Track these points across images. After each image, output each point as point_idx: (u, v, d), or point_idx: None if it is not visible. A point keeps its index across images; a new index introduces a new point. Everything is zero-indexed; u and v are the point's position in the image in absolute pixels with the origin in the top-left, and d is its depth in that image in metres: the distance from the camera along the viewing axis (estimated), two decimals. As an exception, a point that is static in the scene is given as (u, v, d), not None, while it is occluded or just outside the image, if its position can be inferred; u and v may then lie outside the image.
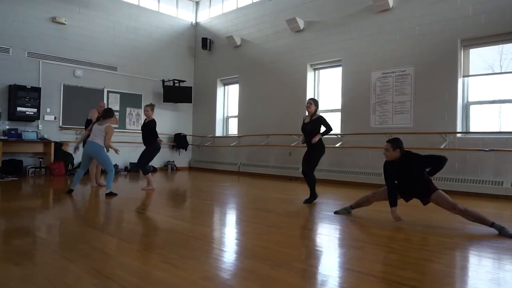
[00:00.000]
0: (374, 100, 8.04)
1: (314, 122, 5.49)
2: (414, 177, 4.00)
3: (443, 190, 3.99)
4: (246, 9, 10.97)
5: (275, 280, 2.37)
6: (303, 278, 2.49)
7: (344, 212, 4.61)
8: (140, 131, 6.96)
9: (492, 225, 3.69)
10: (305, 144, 5.67)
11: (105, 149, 5.92)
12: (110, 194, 5.77)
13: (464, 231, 3.83)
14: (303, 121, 5.71)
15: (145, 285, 2.25)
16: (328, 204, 5.42)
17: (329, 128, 5.47)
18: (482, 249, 3.21)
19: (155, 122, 6.74)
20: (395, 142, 4.11)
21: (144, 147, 6.82)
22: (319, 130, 5.46)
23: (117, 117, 10.49)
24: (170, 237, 3.46)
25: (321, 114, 5.67)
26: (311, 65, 9.37)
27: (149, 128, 6.70)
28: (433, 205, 3.96)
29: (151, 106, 6.84)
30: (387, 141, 4.17)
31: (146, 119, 6.84)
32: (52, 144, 9.00)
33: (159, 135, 6.85)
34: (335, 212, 4.65)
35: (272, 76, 10.09)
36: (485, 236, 3.61)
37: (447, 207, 3.89)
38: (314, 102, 5.58)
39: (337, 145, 8.30)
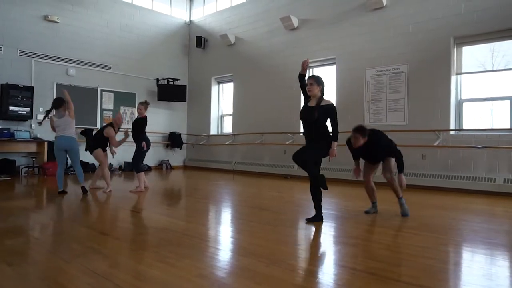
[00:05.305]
0: (368, 98, 8.07)
1: (324, 110, 3.99)
2: (379, 158, 4.40)
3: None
4: (240, 7, 10.95)
5: (270, 277, 2.37)
6: (298, 275, 2.50)
7: (374, 211, 4.54)
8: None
9: (399, 199, 4.30)
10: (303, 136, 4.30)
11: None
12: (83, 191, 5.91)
13: (457, 227, 3.86)
14: (305, 104, 4.14)
15: (140, 283, 2.24)
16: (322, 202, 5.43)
17: (336, 131, 4.14)
18: (475, 245, 3.24)
19: (144, 119, 6.61)
20: (363, 131, 4.28)
21: (136, 145, 6.74)
22: (325, 123, 4.11)
23: (111, 116, 10.44)
24: (165, 235, 3.45)
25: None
26: (305, 63, 9.36)
27: (138, 125, 6.60)
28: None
29: (145, 104, 6.74)
30: (354, 130, 4.30)
31: (138, 116, 6.78)
32: (45, 143, 8.93)
33: (147, 133, 6.72)
34: (366, 212, 4.55)
35: (266, 74, 10.09)
36: (478, 232, 3.66)
37: (385, 170, 4.34)
38: (316, 80, 3.96)
39: (331, 143, 8.30)
